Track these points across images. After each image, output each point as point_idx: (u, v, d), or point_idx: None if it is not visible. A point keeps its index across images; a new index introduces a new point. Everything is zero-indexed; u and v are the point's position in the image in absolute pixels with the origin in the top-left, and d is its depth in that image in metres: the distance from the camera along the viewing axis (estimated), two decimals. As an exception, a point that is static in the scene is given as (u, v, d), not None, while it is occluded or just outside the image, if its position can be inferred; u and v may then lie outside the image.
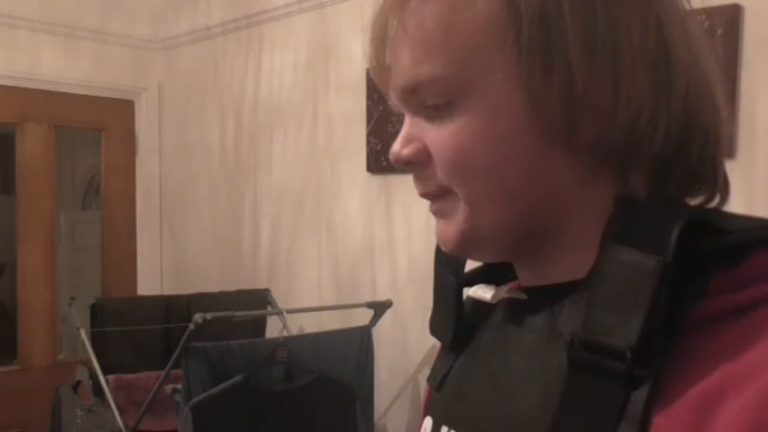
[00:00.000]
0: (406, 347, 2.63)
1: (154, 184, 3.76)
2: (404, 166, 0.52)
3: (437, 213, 0.53)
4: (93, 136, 3.78)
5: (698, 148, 0.48)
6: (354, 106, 2.75)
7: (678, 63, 0.47)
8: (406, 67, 0.49)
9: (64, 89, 3.45)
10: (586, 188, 0.48)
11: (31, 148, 3.42)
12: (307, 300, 2.97)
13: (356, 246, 2.80)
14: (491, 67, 0.47)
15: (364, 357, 2.42)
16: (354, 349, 2.41)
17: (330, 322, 2.68)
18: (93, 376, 2.65)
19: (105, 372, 2.57)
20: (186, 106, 3.61)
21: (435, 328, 0.61)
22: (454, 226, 0.51)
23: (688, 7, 0.50)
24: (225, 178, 3.40)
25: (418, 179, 0.53)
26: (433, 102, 0.49)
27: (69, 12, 3.38)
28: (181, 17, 3.56)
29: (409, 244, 2.59)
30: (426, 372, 2.88)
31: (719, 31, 1.80)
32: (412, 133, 0.52)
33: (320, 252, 2.96)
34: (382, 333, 2.57)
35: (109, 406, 2.50)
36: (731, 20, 1.80)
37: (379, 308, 2.47)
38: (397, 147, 0.52)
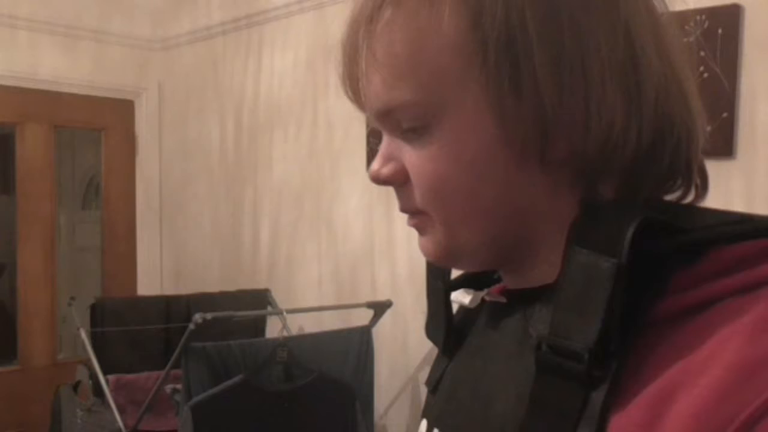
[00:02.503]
0: (406, 347, 2.63)
1: (154, 184, 3.76)
2: (383, 184, 0.53)
3: (416, 228, 0.54)
4: (93, 136, 3.78)
5: (670, 150, 0.48)
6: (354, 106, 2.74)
7: (648, 68, 0.46)
8: (378, 91, 0.49)
9: (64, 89, 3.45)
10: (558, 199, 0.49)
11: (31, 148, 3.42)
12: (307, 300, 2.97)
13: (356, 246, 2.80)
14: (460, 90, 0.47)
15: (364, 357, 2.42)
16: (354, 349, 2.41)
17: (330, 322, 2.68)
18: (93, 376, 2.65)
19: (105, 372, 2.58)
20: (186, 106, 3.61)
21: (429, 332, 0.62)
22: (433, 243, 0.52)
23: (661, 9, 0.50)
24: (225, 177, 3.40)
25: (398, 197, 0.53)
26: (408, 125, 0.49)
27: (69, 12, 3.38)
28: (181, 17, 3.56)
29: (409, 244, 2.59)
30: (426, 372, 2.89)
31: (719, 31, 1.80)
32: (390, 152, 0.52)
33: (320, 252, 2.96)
34: (382, 333, 2.57)
35: (109, 406, 2.50)
36: (731, 20, 1.80)
37: (379, 308, 2.47)
38: (376, 166, 0.52)
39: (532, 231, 0.50)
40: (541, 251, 0.50)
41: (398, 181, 0.52)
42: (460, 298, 0.58)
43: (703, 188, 0.52)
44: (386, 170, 0.52)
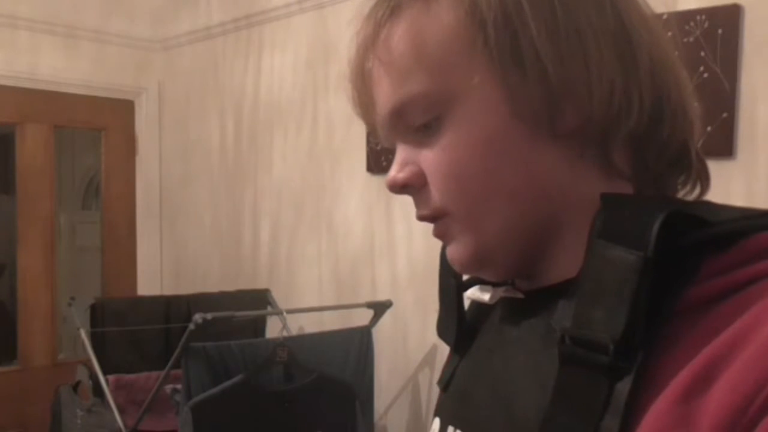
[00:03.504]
0: (406, 347, 2.63)
1: (154, 184, 3.76)
2: (401, 190, 0.53)
3: (440, 237, 0.54)
4: (93, 136, 3.78)
5: (669, 121, 0.49)
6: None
7: (639, 40, 0.48)
8: (388, 94, 0.51)
9: (64, 89, 3.45)
10: (575, 176, 0.50)
11: (31, 148, 3.42)
12: (307, 300, 2.97)
13: (356, 246, 2.80)
14: (467, 73, 0.48)
15: (364, 357, 2.42)
16: (354, 349, 2.40)
17: (330, 322, 2.68)
18: (93, 376, 2.65)
19: (105, 372, 2.57)
20: (186, 106, 3.61)
21: (441, 330, 0.63)
22: (461, 246, 0.52)
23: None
24: (225, 178, 3.40)
25: (417, 204, 0.54)
26: (422, 120, 0.50)
27: (69, 12, 3.38)
28: (181, 17, 3.56)
29: (409, 244, 2.59)
30: (426, 372, 2.88)
31: (719, 31, 1.80)
32: (406, 157, 0.53)
33: (320, 252, 2.96)
34: (382, 333, 2.57)
35: (109, 406, 2.50)
36: (731, 20, 1.79)
37: (379, 308, 2.47)
38: (392, 173, 0.53)
39: (555, 217, 0.50)
40: (561, 246, 0.51)
41: (416, 184, 0.52)
42: (478, 294, 0.58)
43: (705, 179, 0.52)
44: (403, 174, 0.53)
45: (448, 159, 0.50)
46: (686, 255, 0.43)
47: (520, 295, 0.54)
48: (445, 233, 0.53)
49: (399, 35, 0.50)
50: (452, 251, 0.53)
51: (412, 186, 0.53)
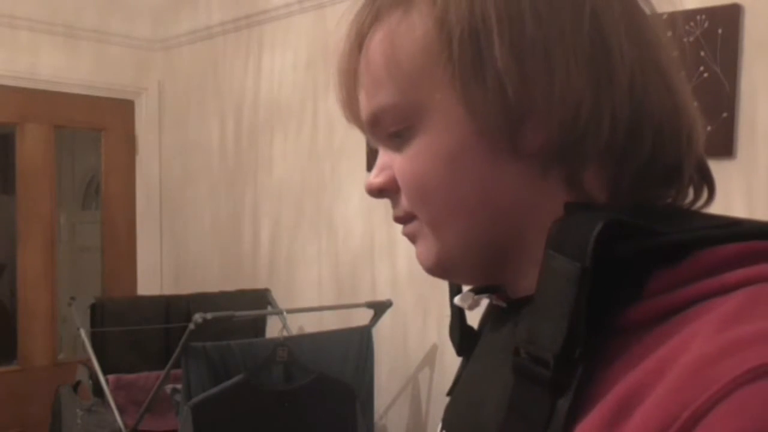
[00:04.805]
0: (406, 347, 2.63)
1: (154, 184, 3.76)
2: (378, 195, 0.54)
3: (408, 236, 0.54)
4: (93, 136, 3.77)
5: (650, 139, 0.47)
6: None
7: (619, 55, 0.46)
8: (364, 101, 0.52)
9: (64, 89, 3.45)
10: (540, 195, 0.48)
11: (31, 148, 3.42)
12: (307, 300, 2.97)
13: (356, 246, 2.80)
14: (432, 87, 0.48)
15: (364, 357, 2.42)
16: (354, 349, 2.41)
17: (330, 322, 2.68)
18: (93, 376, 2.65)
19: (105, 372, 2.58)
20: (186, 106, 3.61)
21: (450, 334, 0.63)
22: (425, 250, 0.53)
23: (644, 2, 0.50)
24: (225, 178, 3.40)
25: (392, 207, 0.54)
26: (394, 129, 0.51)
27: (69, 12, 3.38)
28: (181, 17, 3.56)
29: (409, 244, 2.58)
30: (426, 372, 2.88)
31: (719, 31, 1.80)
32: (384, 162, 0.54)
33: (320, 252, 2.96)
34: (382, 333, 2.57)
35: (109, 406, 2.50)
36: (731, 20, 1.80)
37: (379, 308, 2.48)
38: (371, 177, 0.54)
39: (519, 235, 0.50)
40: (529, 258, 0.49)
41: (390, 189, 0.53)
42: (460, 301, 0.58)
43: (703, 188, 0.50)
44: (378, 179, 0.54)
45: (412, 169, 0.50)
46: (635, 268, 0.42)
47: (503, 305, 0.54)
48: (412, 234, 0.54)
49: (375, 44, 0.50)
50: (418, 253, 0.54)
51: (388, 191, 0.53)
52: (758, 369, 0.33)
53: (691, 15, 1.83)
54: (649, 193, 0.49)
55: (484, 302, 0.58)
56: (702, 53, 1.82)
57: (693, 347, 0.37)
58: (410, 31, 0.49)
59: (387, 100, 0.50)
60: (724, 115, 1.79)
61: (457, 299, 0.59)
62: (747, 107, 1.79)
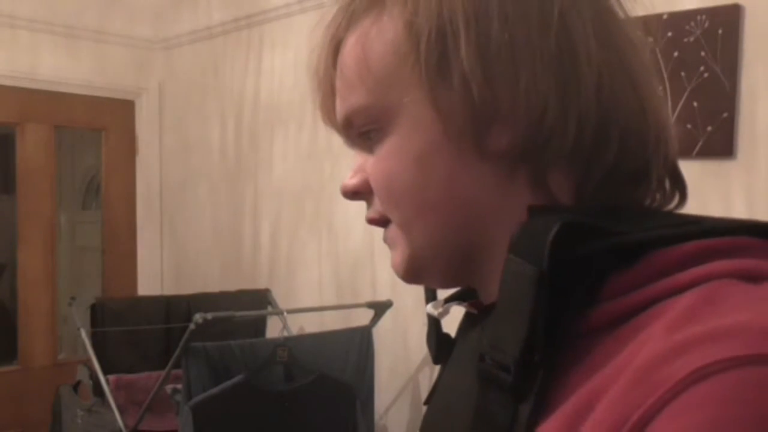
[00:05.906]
0: (406, 347, 2.63)
1: (154, 184, 3.76)
2: (353, 197, 0.55)
3: (387, 242, 0.54)
4: (93, 136, 3.78)
5: (617, 142, 0.47)
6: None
7: (587, 58, 0.46)
8: (338, 104, 0.53)
9: (64, 89, 3.45)
10: (507, 197, 0.48)
11: (31, 148, 3.42)
12: (308, 300, 2.97)
13: (356, 246, 2.80)
14: (402, 88, 0.49)
15: (364, 357, 2.42)
16: (354, 349, 2.41)
17: (330, 322, 2.68)
18: (93, 376, 2.65)
19: (105, 372, 2.58)
20: (186, 106, 3.61)
21: (427, 343, 0.63)
22: (399, 255, 0.53)
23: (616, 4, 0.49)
24: (225, 178, 3.40)
25: (368, 209, 0.55)
26: (363, 129, 0.52)
27: (69, 12, 3.39)
28: (181, 17, 3.56)
29: (409, 244, 2.59)
30: (426, 372, 2.87)
31: (719, 31, 1.80)
32: (359, 164, 0.54)
33: (320, 252, 2.96)
34: (382, 333, 2.57)
35: (109, 406, 2.50)
36: (731, 20, 1.80)
37: (379, 308, 2.48)
38: (346, 179, 0.54)
39: (487, 235, 0.49)
40: (497, 262, 0.48)
41: (364, 190, 0.53)
42: (430, 308, 0.58)
43: (674, 190, 0.50)
44: (351, 181, 0.54)
45: (382, 170, 0.51)
46: (594, 270, 0.42)
47: (474, 311, 0.54)
48: (391, 240, 0.54)
49: (348, 48, 0.51)
50: (393, 262, 0.54)
51: (362, 192, 0.54)
52: (705, 368, 0.34)
53: (691, 15, 1.83)
54: (616, 195, 0.48)
55: (455, 309, 0.58)
56: (702, 53, 1.82)
57: (644, 350, 0.37)
58: (381, 34, 0.50)
59: (359, 101, 0.51)
60: (724, 115, 1.79)
61: (428, 307, 0.58)
62: (747, 107, 1.79)
